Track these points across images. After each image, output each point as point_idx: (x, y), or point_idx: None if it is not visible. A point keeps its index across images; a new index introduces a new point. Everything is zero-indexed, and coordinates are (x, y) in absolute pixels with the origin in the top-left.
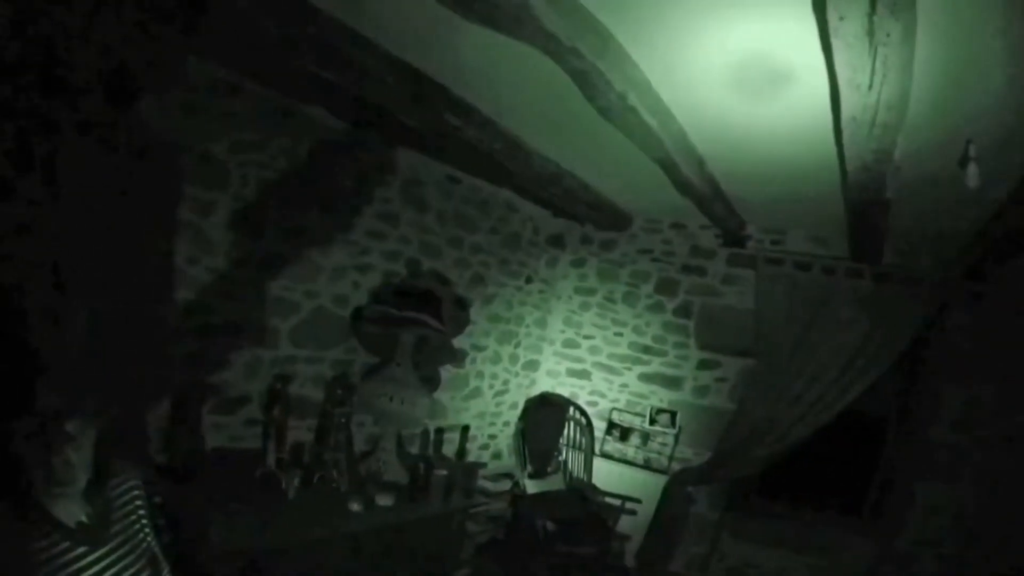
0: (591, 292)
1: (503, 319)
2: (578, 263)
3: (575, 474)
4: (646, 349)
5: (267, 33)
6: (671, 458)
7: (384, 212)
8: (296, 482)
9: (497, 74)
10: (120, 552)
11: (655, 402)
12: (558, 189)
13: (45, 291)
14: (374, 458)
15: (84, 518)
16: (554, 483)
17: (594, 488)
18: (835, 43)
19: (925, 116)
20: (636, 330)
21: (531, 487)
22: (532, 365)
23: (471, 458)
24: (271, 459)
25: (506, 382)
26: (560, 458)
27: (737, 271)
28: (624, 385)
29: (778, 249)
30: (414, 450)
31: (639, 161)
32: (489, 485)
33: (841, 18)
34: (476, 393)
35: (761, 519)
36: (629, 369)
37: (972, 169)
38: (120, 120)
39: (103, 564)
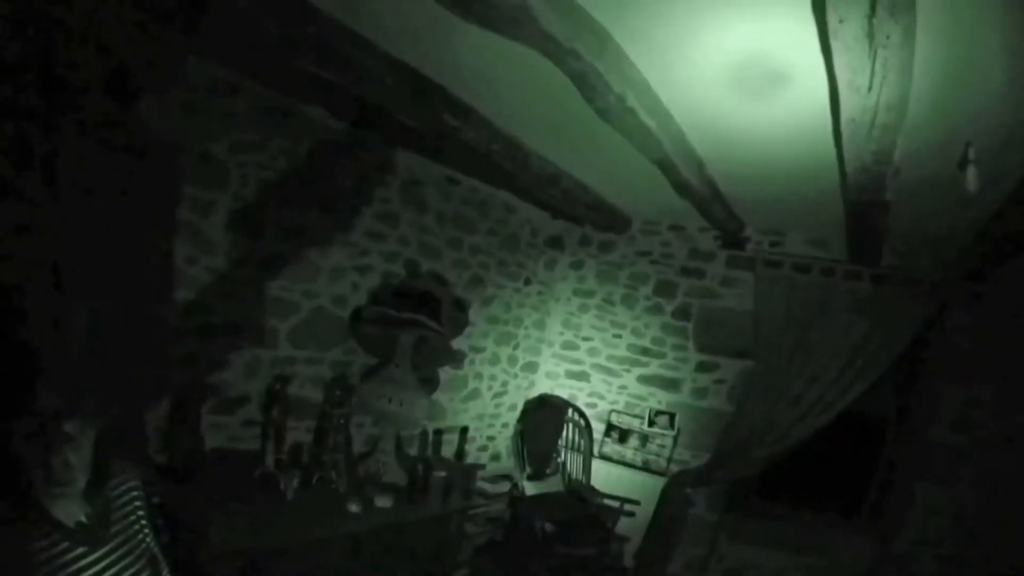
0: (590, 294)
1: (502, 321)
2: (577, 265)
3: (574, 476)
4: (645, 351)
5: (267, 33)
6: (670, 460)
7: (383, 213)
8: (295, 483)
9: (496, 75)
10: (119, 552)
11: (654, 404)
12: (557, 190)
13: (45, 291)
14: (373, 459)
15: (84, 518)
16: (553, 485)
17: (593, 490)
18: (835, 45)
19: (925, 117)
20: (635, 332)
21: (530, 488)
22: (531, 367)
23: (470, 459)
24: (270, 460)
25: (505, 384)
26: (559, 460)
27: (736, 273)
28: (623, 387)
29: (777, 251)
30: (413, 451)
31: (638, 162)
32: (488, 486)
33: (841, 20)
34: (475, 394)
35: (760, 520)
36: (628, 371)
37: (971, 171)
38: (120, 120)
39: (103, 564)
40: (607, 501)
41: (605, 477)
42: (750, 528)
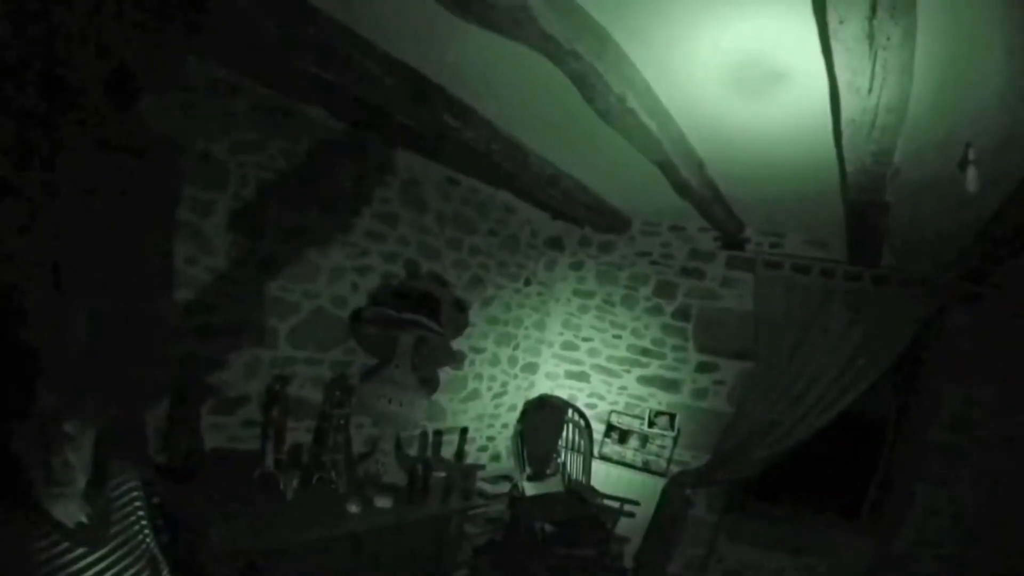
0: (590, 295)
1: (502, 321)
2: (576, 265)
3: (574, 476)
4: (645, 352)
5: (267, 33)
6: (669, 460)
7: (383, 213)
8: (295, 483)
9: (496, 75)
10: (119, 552)
11: (653, 404)
12: (557, 191)
13: (45, 291)
14: (372, 460)
15: (83, 518)
16: (553, 485)
17: (592, 490)
18: (835, 46)
19: (925, 117)
20: (635, 333)
21: (530, 489)
22: (531, 367)
23: (469, 460)
24: (270, 460)
25: (504, 384)
26: (559, 460)
27: (736, 274)
28: (623, 387)
29: (777, 252)
30: (412, 452)
31: (638, 163)
32: (487, 487)
33: (841, 21)
34: (475, 395)
35: (760, 520)
36: (628, 371)
37: (971, 172)
38: (120, 120)
39: (102, 564)
40: (607, 502)
41: (605, 478)
42: (750, 528)
